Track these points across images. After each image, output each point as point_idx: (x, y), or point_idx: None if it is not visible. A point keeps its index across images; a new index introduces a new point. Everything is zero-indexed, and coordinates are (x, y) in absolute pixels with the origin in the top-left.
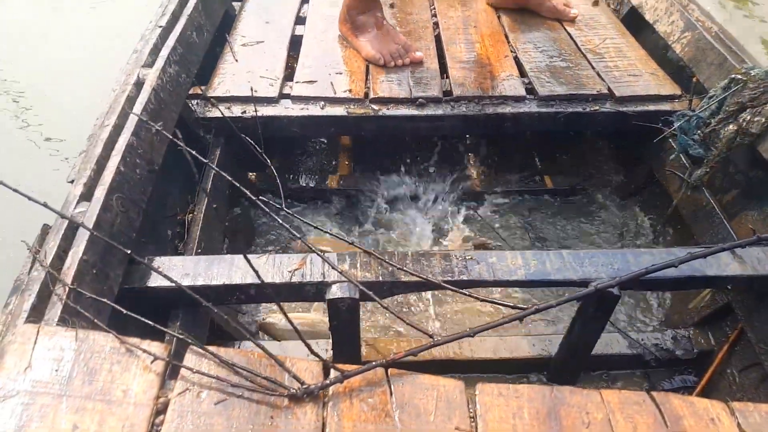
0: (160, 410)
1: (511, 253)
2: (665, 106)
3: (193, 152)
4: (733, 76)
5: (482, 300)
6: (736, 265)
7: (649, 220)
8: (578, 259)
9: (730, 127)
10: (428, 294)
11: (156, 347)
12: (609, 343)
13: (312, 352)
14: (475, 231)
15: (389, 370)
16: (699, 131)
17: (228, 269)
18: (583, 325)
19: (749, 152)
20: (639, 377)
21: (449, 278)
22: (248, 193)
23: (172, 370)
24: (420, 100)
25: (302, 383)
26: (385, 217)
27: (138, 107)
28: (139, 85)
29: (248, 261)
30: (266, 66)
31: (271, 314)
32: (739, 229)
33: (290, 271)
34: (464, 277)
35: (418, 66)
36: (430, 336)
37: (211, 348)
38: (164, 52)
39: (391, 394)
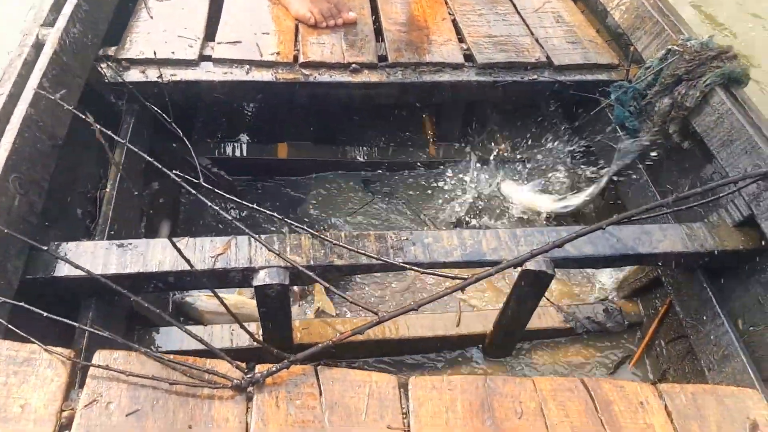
0: (65, 425)
1: (447, 233)
2: (603, 76)
3: (99, 126)
4: (669, 47)
5: (423, 272)
6: (666, 243)
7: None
8: (514, 238)
9: (666, 100)
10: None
11: (59, 352)
12: (543, 316)
13: (254, 338)
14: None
15: (319, 368)
16: (635, 103)
17: (143, 255)
18: (517, 302)
19: (682, 125)
20: (572, 347)
21: (384, 260)
22: (159, 165)
23: (82, 375)
24: (354, 65)
25: (246, 372)
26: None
27: (37, 73)
28: (38, 47)
29: (174, 245)
30: (185, 24)
31: (191, 294)
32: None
33: (213, 257)
34: (399, 260)
35: (352, 27)
36: (375, 313)
37: (120, 353)
38: (67, 8)
39: (320, 393)
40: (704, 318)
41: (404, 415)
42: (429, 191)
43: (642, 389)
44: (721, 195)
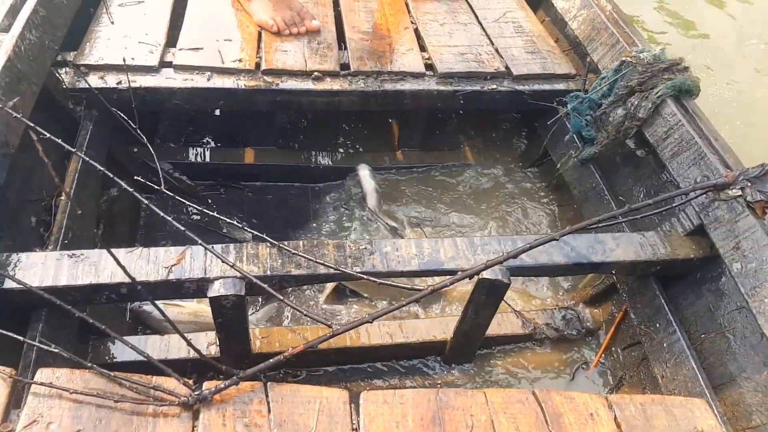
0: None
1: (406, 242)
2: (560, 86)
3: (49, 135)
4: (623, 59)
5: (380, 283)
6: (619, 251)
7: (548, 194)
8: (471, 246)
9: (619, 111)
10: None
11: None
12: (502, 322)
13: (201, 355)
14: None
15: (268, 385)
16: (591, 112)
17: (95, 266)
18: (475, 310)
19: (637, 134)
20: (531, 353)
21: (342, 270)
22: (112, 175)
23: (26, 394)
24: (316, 73)
25: (193, 389)
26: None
27: None
28: None
29: (114, 257)
30: (146, 30)
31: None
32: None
33: (167, 267)
34: (357, 269)
35: (315, 35)
36: (329, 326)
37: (63, 371)
38: (23, 14)
39: (269, 410)
40: (657, 325)
41: (354, 431)
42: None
43: (592, 400)
44: (672, 206)
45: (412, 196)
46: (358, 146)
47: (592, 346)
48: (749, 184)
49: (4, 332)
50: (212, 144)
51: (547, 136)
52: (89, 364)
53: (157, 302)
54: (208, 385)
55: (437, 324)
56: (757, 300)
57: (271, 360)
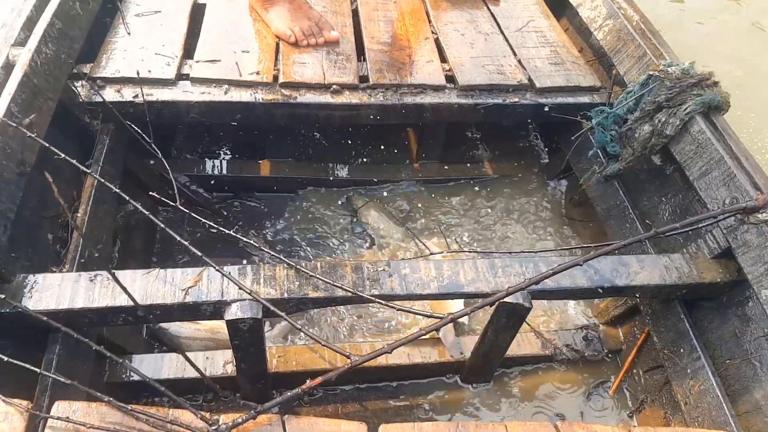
0: None
1: (425, 263)
2: (585, 99)
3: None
4: (651, 72)
5: (398, 309)
6: (644, 275)
7: (568, 218)
8: (492, 269)
9: (646, 127)
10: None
11: (15, 404)
12: (522, 342)
13: (215, 391)
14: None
15: (286, 418)
16: (616, 128)
17: (112, 289)
18: (495, 333)
19: (663, 150)
20: (551, 375)
21: (359, 292)
22: (122, 193)
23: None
24: (335, 86)
25: (210, 423)
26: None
27: (5, 98)
28: (8, 68)
29: (118, 282)
30: (163, 41)
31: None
32: (652, 228)
33: (183, 290)
34: (375, 291)
35: (334, 46)
36: (347, 356)
37: (80, 404)
38: (39, 27)
39: None
40: (681, 350)
41: None
42: (414, 207)
43: None
44: (698, 226)
45: (431, 209)
46: (376, 158)
47: (613, 367)
48: None
49: (20, 363)
50: (229, 156)
51: (569, 150)
52: (106, 399)
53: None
54: (225, 419)
55: (455, 344)
56: None
57: (289, 393)
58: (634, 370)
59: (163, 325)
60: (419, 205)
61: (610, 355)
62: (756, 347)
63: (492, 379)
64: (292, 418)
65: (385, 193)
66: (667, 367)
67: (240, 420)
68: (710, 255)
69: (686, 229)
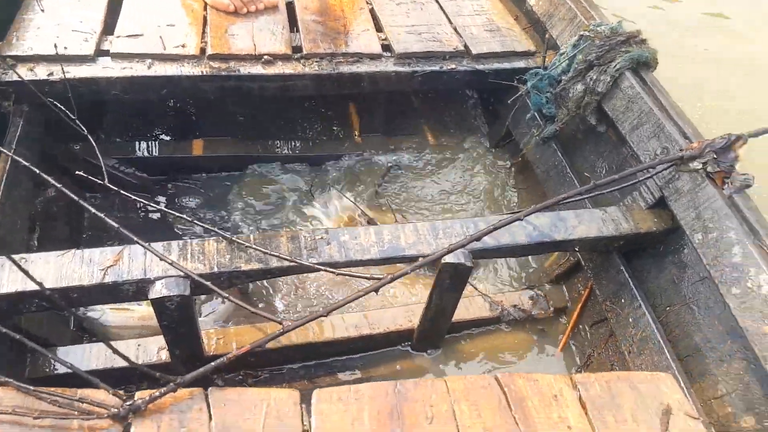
0: None
1: (364, 230)
2: (520, 63)
3: None
4: (581, 33)
5: (337, 273)
6: (582, 228)
7: (512, 175)
8: (434, 231)
9: (579, 86)
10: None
11: None
12: (470, 306)
13: (128, 361)
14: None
15: (210, 390)
16: (551, 89)
17: (21, 273)
18: (440, 295)
19: (597, 109)
20: (500, 335)
21: (297, 261)
22: (52, 180)
23: None
24: (266, 57)
25: (125, 399)
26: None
27: None
28: None
29: (16, 264)
30: (81, 17)
31: (95, 308)
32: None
33: (102, 269)
34: (314, 260)
35: (264, 16)
36: (279, 322)
37: None
38: None
39: (210, 418)
40: (622, 301)
41: None
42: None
43: (556, 381)
44: (637, 181)
45: (374, 180)
46: (318, 133)
47: (561, 325)
48: (715, 156)
49: None
50: (162, 137)
51: (509, 116)
52: (3, 379)
53: (105, 308)
54: (141, 395)
55: (403, 312)
56: (719, 269)
57: (212, 363)
58: (581, 326)
59: (93, 314)
60: (363, 179)
61: (557, 314)
62: (693, 292)
63: (442, 345)
64: (215, 390)
65: (328, 169)
66: (610, 318)
67: (157, 394)
68: (645, 206)
69: (624, 185)
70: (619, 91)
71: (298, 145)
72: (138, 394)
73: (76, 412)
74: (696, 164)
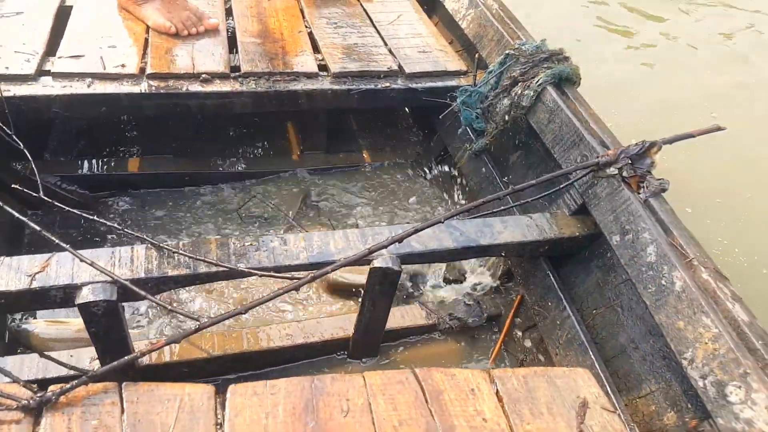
0: None
1: (294, 236)
2: (452, 82)
3: None
4: (507, 51)
5: (260, 275)
6: (507, 233)
7: (447, 191)
8: (362, 237)
9: (505, 101)
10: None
11: None
12: (406, 314)
13: (42, 354)
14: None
15: (124, 385)
16: (480, 105)
17: None
18: (372, 301)
19: (524, 122)
20: (437, 343)
21: (225, 266)
22: None
23: None
24: (204, 75)
25: (35, 391)
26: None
27: None
28: None
29: None
30: (24, 40)
31: (30, 321)
32: (518, 196)
33: (30, 275)
34: (242, 266)
35: (204, 39)
36: (196, 319)
37: None
38: None
39: (122, 411)
40: (549, 304)
41: (218, 426)
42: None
43: (474, 376)
44: (558, 188)
45: (313, 198)
46: (258, 151)
47: (496, 332)
48: (630, 162)
49: None
50: (103, 155)
51: (443, 132)
52: None
53: (40, 321)
54: (54, 388)
55: (339, 321)
56: (636, 269)
57: (125, 357)
58: (514, 333)
59: (27, 327)
60: (297, 194)
61: (491, 321)
62: (617, 294)
63: (378, 353)
64: (130, 385)
65: (268, 186)
66: (538, 322)
67: (69, 387)
68: (569, 212)
69: (546, 189)
70: (542, 104)
71: (236, 162)
72: (51, 388)
73: None
74: (612, 170)
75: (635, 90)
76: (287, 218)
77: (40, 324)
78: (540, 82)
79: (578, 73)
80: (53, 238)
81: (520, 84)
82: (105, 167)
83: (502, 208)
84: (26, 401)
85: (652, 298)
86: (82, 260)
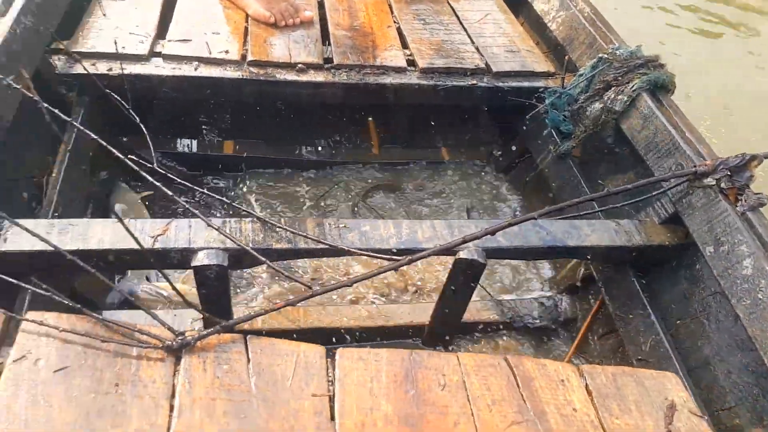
0: None
1: (384, 222)
2: (539, 83)
3: (47, 106)
4: (601, 55)
5: (360, 254)
6: (594, 237)
7: (525, 193)
8: (449, 228)
9: (596, 104)
10: (306, 261)
11: None
12: (482, 309)
13: (187, 303)
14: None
15: (249, 337)
16: (569, 108)
17: (83, 235)
18: (452, 291)
19: (614, 127)
20: (509, 340)
21: (323, 243)
22: (109, 147)
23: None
24: (300, 65)
25: (177, 334)
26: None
27: None
28: None
29: (120, 220)
30: (137, 22)
31: (135, 284)
32: (605, 201)
33: (153, 237)
34: (337, 244)
35: (300, 30)
36: (309, 287)
37: (51, 313)
38: (19, 0)
39: (248, 360)
40: (633, 312)
41: (330, 383)
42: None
43: (564, 368)
44: (650, 195)
45: (387, 192)
46: (340, 141)
47: (570, 336)
48: (728, 174)
49: (3, 276)
50: (198, 136)
51: (525, 133)
52: (78, 306)
53: (141, 284)
54: (191, 334)
55: (416, 309)
56: (729, 281)
57: (252, 312)
58: (590, 337)
59: (134, 289)
60: (379, 188)
61: (566, 324)
62: (704, 305)
63: (452, 343)
64: (253, 338)
65: (347, 176)
66: (619, 328)
67: (205, 333)
68: (659, 220)
69: (638, 194)
70: (636, 110)
71: (319, 150)
72: (188, 333)
73: (135, 342)
74: (710, 180)
75: (725, 97)
76: (365, 207)
77: (142, 286)
78: (635, 87)
79: (674, 81)
80: (182, 201)
81: (613, 88)
82: (201, 147)
83: (588, 212)
84: (170, 342)
85: (746, 312)
86: (209, 225)
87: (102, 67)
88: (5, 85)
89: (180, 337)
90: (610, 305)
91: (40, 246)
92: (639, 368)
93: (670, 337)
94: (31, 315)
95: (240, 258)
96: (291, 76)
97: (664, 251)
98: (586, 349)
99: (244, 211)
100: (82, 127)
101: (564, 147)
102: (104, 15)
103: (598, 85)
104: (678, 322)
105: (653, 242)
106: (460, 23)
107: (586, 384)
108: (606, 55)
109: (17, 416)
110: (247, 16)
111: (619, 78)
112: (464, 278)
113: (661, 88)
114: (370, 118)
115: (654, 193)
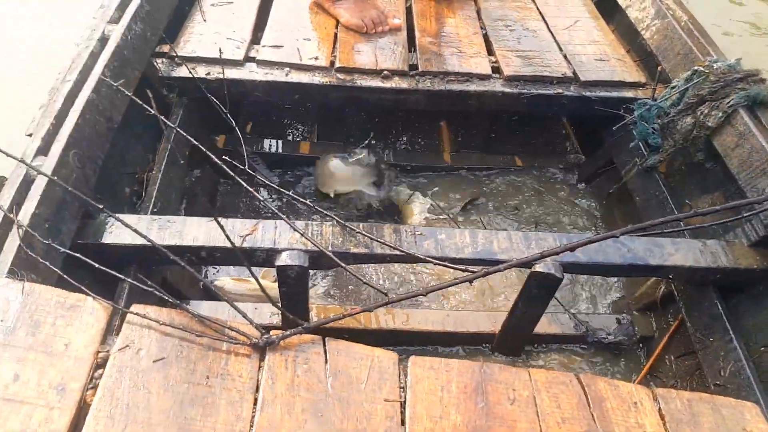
0: (100, 365)
1: (460, 231)
2: (628, 93)
3: (154, 111)
4: (696, 68)
5: (435, 263)
6: (678, 256)
7: (605, 204)
8: (526, 240)
9: (688, 119)
10: (379, 266)
11: (99, 303)
12: (554, 321)
13: (274, 304)
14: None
15: (327, 339)
16: (659, 120)
17: (180, 231)
18: (525, 303)
19: (705, 143)
20: (581, 355)
21: (401, 250)
22: (207, 152)
23: (119, 324)
24: (385, 72)
25: (263, 334)
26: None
27: (100, 64)
28: (103, 41)
29: (218, 222)
30: (234, 28)
31: (216, 279)
32: (690, 219)
33: (242, 236)
34: (413, 252)
35: (387, 37)
36: (385, 294)
37: (153, 307)
38: (131, 8)
39: (326, 361)
40: (714, 335)
41: (401, 389)
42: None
43: (637, 390)
44: (740, 217)
45: (459, 197)
46: (413, 146)
47: (644, 354)
48: None
49: (109, 270)
50: (282, 137)
51: (612, 144)
52: (177, 302)
53: (227, 279)
54: (274, 333)
55: (485, 317)
56: None
57: (332, 315)
58: (666, 357)
59: (217, 282)
60: (454, 193)
61: (642, 342)
62: None
63: (521, 353)
64: (331, 340)
65: (422, 180)
66: (698, 350)
67: (288, 333)
68: (748, 243)
69: (726, 219)
70: (731, 127)
71: (393, 155)
72: (272, 332)
73: (226, 337)
74: None
75: None
76: (446, 215)
77: (228, 280)
78: (731, 103)
79: None
80: (272, 207)
81: (707, 103)
82: (282, 147)
83: (672, 230)
84: (256, 340)
85: None
86: (295, 230)
87: (201, 71)
88: (116, 90)
89: (266, 336)
90: (690, 326)
91: (140, 240)
92: (717, 395)
93: (752, 364)
94: (135, 308)
95: (318, 260)
96: (376, 83)
97: (751, 274)
98: (662, 368)
99: (326, 214)
100: (179, 130)
101: (651, 160)
102: (204, 21)
103: (692, 99)
104: (762, 348)
105: (740, 265)
106: (549, 30)
107: (660, 408)
108: (702, 68)
109: (120, 400)
110: (337, 22)
111: (716, 92)
112: (539, 291)
113: (761, 105)
114: (443, 122)
115: (746, 215)
